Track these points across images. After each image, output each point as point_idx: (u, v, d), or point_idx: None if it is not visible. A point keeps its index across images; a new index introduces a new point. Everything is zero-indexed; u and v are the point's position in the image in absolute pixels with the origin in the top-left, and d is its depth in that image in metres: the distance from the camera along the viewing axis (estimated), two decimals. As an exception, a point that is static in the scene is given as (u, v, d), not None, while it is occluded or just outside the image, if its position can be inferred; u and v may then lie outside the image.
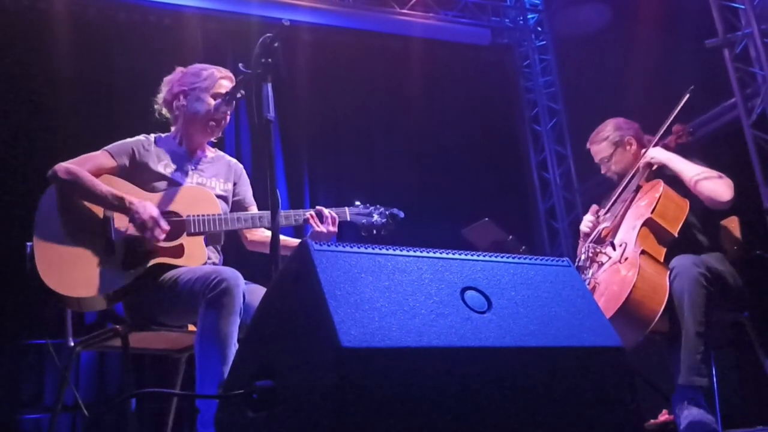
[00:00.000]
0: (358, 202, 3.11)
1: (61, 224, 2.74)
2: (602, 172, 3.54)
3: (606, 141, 3.47)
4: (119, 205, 2.75)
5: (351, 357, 1.46)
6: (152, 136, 3.06)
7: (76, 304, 2.72)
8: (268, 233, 3.11)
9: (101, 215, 2.78)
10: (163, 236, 2.74)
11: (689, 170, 3.17)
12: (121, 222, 2.76)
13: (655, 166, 3.30)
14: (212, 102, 2.99)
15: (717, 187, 3.10)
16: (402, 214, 3.13)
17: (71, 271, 2.65)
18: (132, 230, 2.75)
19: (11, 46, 5.21)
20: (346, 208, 3.06)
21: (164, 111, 3.12)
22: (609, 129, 3.50)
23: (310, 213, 2.94)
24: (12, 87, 5.11)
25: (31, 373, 4.75)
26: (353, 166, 6.35)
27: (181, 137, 3.06)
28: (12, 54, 5.19)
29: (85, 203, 2.79)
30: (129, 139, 3.00)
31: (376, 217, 3.07)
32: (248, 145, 5.81)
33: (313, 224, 2.92)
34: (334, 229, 2.93)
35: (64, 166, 2.80)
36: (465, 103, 6.73)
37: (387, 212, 3.11)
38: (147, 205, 2.75)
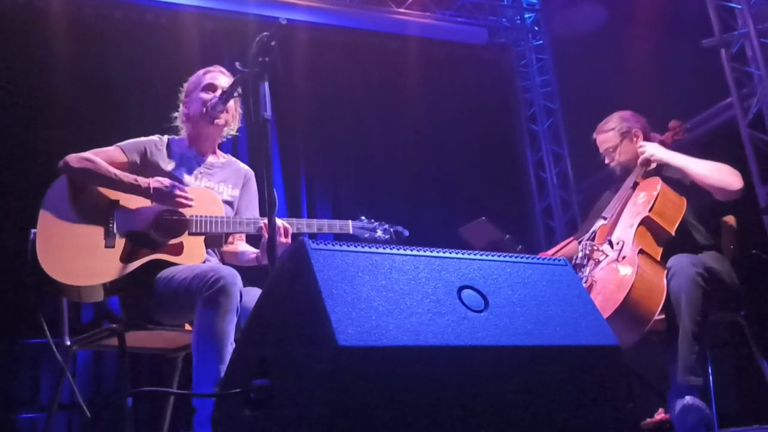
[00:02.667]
0: (363, 217, 3.09)
1: (65, 215, 2.75)
2: (606, 162, 3.53)
3: (613, 131, 3.47)
4: (135, 186, 2.79)
5: (348, 356, 1.46)
6: (165, 137, 3.10)
7: (75, 293, 2.72)
8: (242, 246, 3.11)
9: (106, 208, 2.79)
10: (192, 200, 2.79)
11: (694, 165, 3.16)
12: (125, 216, 2.78)
13: (653, 165, 3.30)
14: (203, 95, 3.03)
15: (726, 177, 3.10)
16: (406, 233, 3.11)
17: (71, 260, 2.66)
18: (151, 208, 2.78)
19: (8, 43, 5.20)
20: (350, 222, 3.04)
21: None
22: (616, 120, 3.50)
23: (263, 222, 2.84)
24: (8, 84, 5.09)
25: (27, 372, 4.74)
26: (350, 165, 6.35)
27: (191, 140, 3.10)
28: (9, 51, 5.17)
29: (93, 194, 2.81)
30: (143, 138, 3.04)
31: (379, 233, 3.05)
32: (245, 144, 5.80)
33: (265, 234, 2.80)
34: (286, 240, 2.84)
35: (76, 156, 2.83)
36: (462, 103, 6.72)
37: (391, 229, 3.09)
38: (159, 178, 2.81)
